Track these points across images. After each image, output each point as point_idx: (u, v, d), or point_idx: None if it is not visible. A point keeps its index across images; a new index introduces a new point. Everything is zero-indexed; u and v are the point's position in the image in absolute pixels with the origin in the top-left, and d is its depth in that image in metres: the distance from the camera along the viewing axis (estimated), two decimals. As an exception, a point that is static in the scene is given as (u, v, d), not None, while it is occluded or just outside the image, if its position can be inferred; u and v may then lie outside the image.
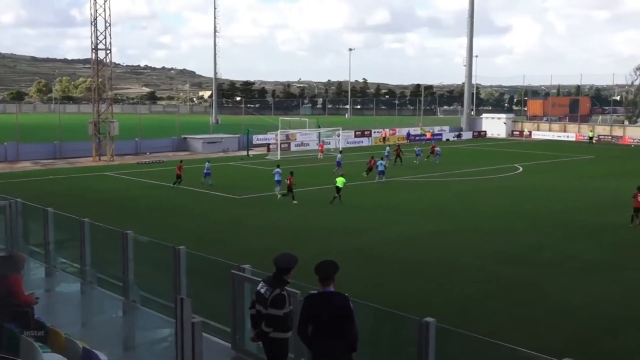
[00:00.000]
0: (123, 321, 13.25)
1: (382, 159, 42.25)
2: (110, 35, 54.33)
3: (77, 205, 29.88)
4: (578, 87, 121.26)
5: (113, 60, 59.58)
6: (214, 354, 10.06)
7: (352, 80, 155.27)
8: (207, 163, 40.65)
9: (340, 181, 33.37)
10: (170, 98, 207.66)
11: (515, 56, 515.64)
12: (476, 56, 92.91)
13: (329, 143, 65.67)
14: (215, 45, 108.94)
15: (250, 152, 58.75)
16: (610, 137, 78.69)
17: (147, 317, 12.58)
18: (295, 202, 32.72)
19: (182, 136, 64.70)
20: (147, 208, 32.14)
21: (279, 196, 33.97)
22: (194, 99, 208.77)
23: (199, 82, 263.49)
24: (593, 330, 16.17)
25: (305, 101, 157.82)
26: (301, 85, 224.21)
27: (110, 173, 45.67)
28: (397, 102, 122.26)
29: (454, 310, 17.00)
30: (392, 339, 10.24)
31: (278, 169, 35.75)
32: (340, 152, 50.55)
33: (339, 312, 7.53)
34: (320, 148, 58.75)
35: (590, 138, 76.33)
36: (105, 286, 14.43)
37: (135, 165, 50.80)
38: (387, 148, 52.75)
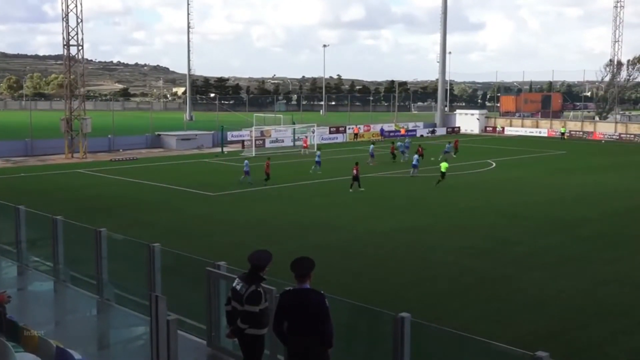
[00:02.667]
0: (97, 320, 13.15)
1: (418, 153, 44.25)
2: (82, 31, 53.77)
3: (49, 203, 29.58)
4: (550, 84, 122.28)
5: (85, 57, 58.93)
6: (189, 351, 10.03)
7: (327, 76, 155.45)
8: (245, 161, 39.79)
9: (444, 166, 37.65)
10: (143, 95, 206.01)
11: (488, 53, 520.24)
12: (449, 53, 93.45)
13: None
14: (189, 41, 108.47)
15: (225, 149, 58.52)
16: (581, 133, 79.66)
17: (122, 315, 12.50)
18: (362, 189, 35.38)
19: (156, 133, 64.22)
20: (121, 205, 31.88)
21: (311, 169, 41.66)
22: (168, 96, 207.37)
23: (172, 78, 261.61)
24: (564, 323, 16.39)
25: (280, 98, 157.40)
26: (276, 81, 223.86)
27: (83, 170, 45.22)
28: (371, 98, 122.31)
29: (429, 304, 17.14)
30: (367, 334, 10.30)
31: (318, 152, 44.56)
32: (373, 143, 53.36)
33: (315, 309, 7.57)
34: (304, 143, 59.14)
35: (562, 133, 77.24)
36: (79, 285, 14.29)
37: (108, 162, 50.36)
38: (448, 145, 53.17)
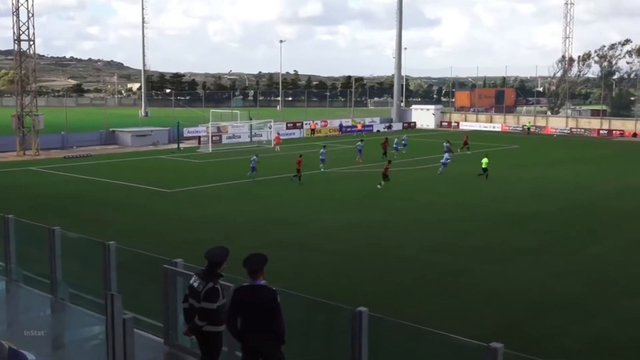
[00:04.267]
0: (51, 319, 12.93)
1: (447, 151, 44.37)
2: (33, 26, 52.60)
3: (0, 202, 28.94)
4: (503, 79, 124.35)
5: (37, 52, 57.76)
6: (146, 350, 9.93)
7: (284, 72, 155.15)
8: (253, 157, 39.28)
9: (484, 162, 38.64)
10: (97, 90, 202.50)
11: (444, 48, 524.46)
12: (405, 48, 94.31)
13: (261, 135, 65.48)
14: (143, 36, 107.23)
15: (181, 145, 58.04)
16: (534, 127, 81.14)
17: (77, 314, 12.32)
18: (381, 184, 35.57)
19: (111, 129, 63.26)
20: (75, 203, 31.36)
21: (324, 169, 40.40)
22: (123, 92, 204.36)
23: (127, 74, 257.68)
24: (520, 315, 16.72)
25: (237, 93, 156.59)
26: (232, 77, 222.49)
27: (36, 168, 44.35)
28: (328, 94, 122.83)
29: (387, 299, 17.27)
30: (325, 330, 10.33)
31: (323, 151, 43.24)
32: (362, 140, 51.33)
33: (266, 305, 7.61)
34: (276, 140, 58.36)
35: (528, 128, 78.59)
36: (32, 284, 14.01)
37: (61, 159, 49.48)
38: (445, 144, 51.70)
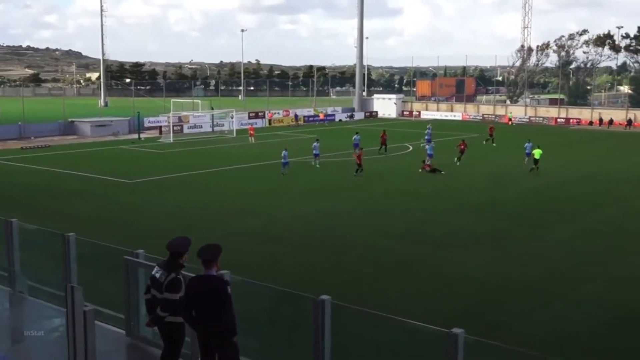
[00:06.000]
0: (10, 313, 12.72)
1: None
2: (-13, 14, 51.41)
3: (-45, 194, 28.35)
4: (464, 68, 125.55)
5: (-9, 40, 56.34)
6: (108, 341, 9.85)
7: (245, 61, 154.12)
8: (284, 152, 36.99)
9: (537, 153, 37.87)
10: (55, 80, 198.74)
11: (405, 38, 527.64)
12: (367, 38, 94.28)
13: (223, 125, 65.09)
14: (102, 25, 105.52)
15: (142, 135, 57.37)
16: (493, 116, 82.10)
17: (36, 307, 12.15)
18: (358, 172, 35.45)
19: (69, 120, 62.23)
20: (33, 194, 30.82)
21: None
22: (81, 81, 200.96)
23: (85, 63, 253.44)
24: (480, 300, 16.98)
25: (198, 83, 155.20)
26: (193, 66, 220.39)
27: (-8, 159, 43.47)
28: (290, 83, 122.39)
29: (349, 287, 17.39)
30: (288, 318, 10.38)
31: (316, 144, 40.04)
32: (357, 133, 47.49)
33: (216, 295, 7.64)
34: (250, 131, 55.74)
35: (510, 119, 77.04)
36: (-11, 278, 13.78)
37: (19, 150, 48.55)
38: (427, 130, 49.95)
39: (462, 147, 42.10)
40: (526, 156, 40.57)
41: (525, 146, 41.25)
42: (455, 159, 41.06)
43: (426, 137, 48.26)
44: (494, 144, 51.56)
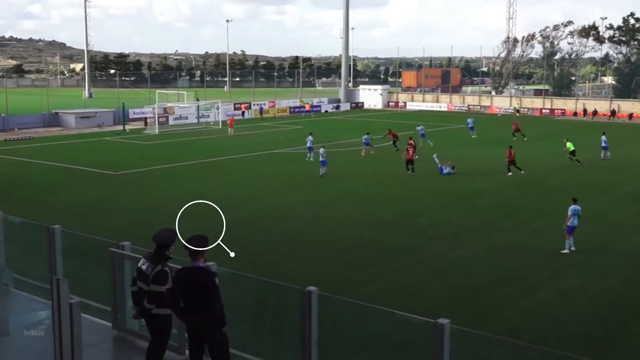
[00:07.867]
0: (-5, 306, 12.66)
1: None
2: (-31, 4, 50.87)
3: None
4: (449, 59, 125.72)
5: (-27, 31, 55.74)
6: (94, 334, 9.83)
7: (231, 52, 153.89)
8: (321, 149, 34.31)
9: (570, 145, 37.64)
10: (39, 71, 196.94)
11: (391, 29, 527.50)
12: (353, 28, 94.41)
13: (209, 116, 64.83)
14: (86, 15, 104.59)
15: (127, 127, 57.07)
16: (479, 107, 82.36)
17: (22, 300, 12.09)
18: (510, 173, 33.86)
19: (54, 111, 61.76)
20: (18, 187, 30.61)
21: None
22: (65, 72, 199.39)
23: (70, 54, 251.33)
24: (465, 290, 17.09)
25: (183, 74, 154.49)
26: (178, 57, 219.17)
27: (-25, 151, 43.10)
28: (276, 74, 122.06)
29: (335, 278, 17.45)
30: (275, 309, 10.40)
31: (310, 138, 38.64)
32: (367, 133, 43.21)
33: (203, 287, 7.65)
34: (230, 122, 55.28)
35: (517, 110, 75.91)
36: (-26, 270, 13.69)
37: (2, 142, 48.15)
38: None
39: (390, 134, 43.32)
40: (602, 149, 40.03)
41: (601, 139, 40.37)
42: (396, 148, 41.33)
43: (421, 133, 47.53)
44: (525, 138, 48.98)
